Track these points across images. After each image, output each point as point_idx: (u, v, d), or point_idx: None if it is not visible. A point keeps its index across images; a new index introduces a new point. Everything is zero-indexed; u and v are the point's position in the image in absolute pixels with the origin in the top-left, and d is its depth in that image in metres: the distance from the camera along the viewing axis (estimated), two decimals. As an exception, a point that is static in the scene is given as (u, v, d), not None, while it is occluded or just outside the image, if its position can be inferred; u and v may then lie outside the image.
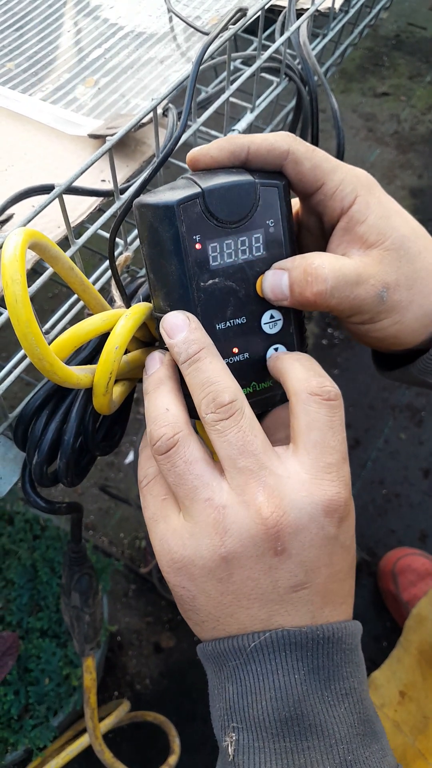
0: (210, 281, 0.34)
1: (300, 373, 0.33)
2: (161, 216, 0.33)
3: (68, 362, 0.37)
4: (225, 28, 0.42)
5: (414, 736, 0.60)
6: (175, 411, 0.32)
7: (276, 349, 0.37)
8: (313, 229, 0.39)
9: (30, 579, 0.89)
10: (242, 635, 0.31)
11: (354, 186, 0.36)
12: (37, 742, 0.79)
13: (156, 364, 0.34)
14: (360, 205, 0.36)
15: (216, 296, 0.34)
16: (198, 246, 0.33)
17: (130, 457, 1.24)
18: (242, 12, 0.43)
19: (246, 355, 0.36)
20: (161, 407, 0.33)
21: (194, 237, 0.33)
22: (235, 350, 0.36)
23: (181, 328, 0.33)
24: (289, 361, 0.34)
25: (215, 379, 0.31)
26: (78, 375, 0.31)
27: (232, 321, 0.35)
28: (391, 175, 1.65)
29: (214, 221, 0.33)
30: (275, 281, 0.35)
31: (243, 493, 0.30)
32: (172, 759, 0.74)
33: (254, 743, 0.30)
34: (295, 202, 0.40)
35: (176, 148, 0.44)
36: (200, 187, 0.33)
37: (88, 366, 0.33)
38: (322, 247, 0.38)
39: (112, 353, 0.31)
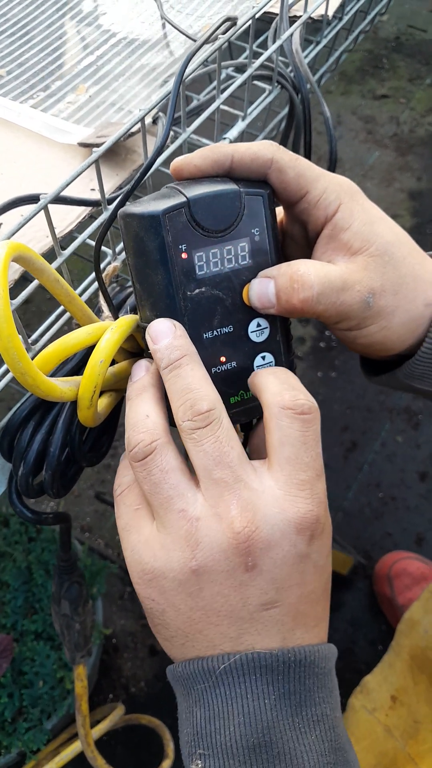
0: (197, 290, 0.34)
1: (273, 386, 0.32)
2: (147, 226, 0.33)
3: (55, 372, 0.37)
4: (213, 37, 0.42)
5: (405, 740, 0.60)
6: (155, 418, 0.32)
7: (263, 357, 0.37)
8: (297, 237, 0.39)
9: (25, 581, 0.89)
10: (211, 657, 0.30)
11: (337, 194, 0.37)
12: (31, 745, 0.79)
13: (141, 372, 0.34)
14: (344, 212, 0.36)
15: (203, 305, 0.34)
16: (184, 255, 0.33)
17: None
18: (231, 21, 0.43)
19: (234, 363, 0.36)
20: (141, 413, 0.32)
21: (180, 246, 0.33)
22: (223, 359, 0.36)
23: (166, 334, 0.33)
24: (264, 375, 0.34)
25: (195, 386, 0.31)
26: (62, 389, 0.31)
27: (219, 330, 0.35)
28: (390, 177, 1.64)
29: (199, 230, 0.33)
30: (261, 289, 0.35)
31: (216, 506, 0.30)
32: (166, 763, 0.74)
33: None
34: (280, 211, 0.40)
35: (163, 158, 0.44)
36: (185, 196, 0.33)
37: (73, 378, 0.33)
38: (307, 255, 0.39)
39: (96, 367, 0.31)
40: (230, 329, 0.35)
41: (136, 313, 0.41)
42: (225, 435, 0.31)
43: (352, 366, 1.31)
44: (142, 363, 0.35)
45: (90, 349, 0.35)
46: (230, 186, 0.34)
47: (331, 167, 0.55)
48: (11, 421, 0.37)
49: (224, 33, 0.45)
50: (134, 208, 0.33)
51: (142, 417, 0.32)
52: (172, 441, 0.32)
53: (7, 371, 0.39)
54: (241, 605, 0.30)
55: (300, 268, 0.34)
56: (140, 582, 0.32)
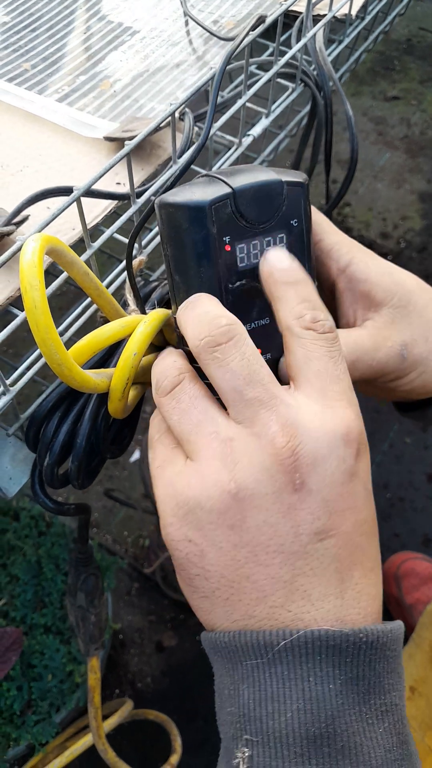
0: (237, 283, 0.33)
1: (294, 304, 0.30)
2: (191, 217, 0.32)
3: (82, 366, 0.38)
4: (247, 35, 0.42)
5: (423, 731, 0.60)
6: (182, 362, 0.31)
7: None
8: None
9: (35, 575, 0.90)
10: (269, 631, 0.26)
11: (350, 248, 0.37)
12: (40, 738, 0.80)
13: (166, 351, 0.34)
14: (358, 264, 0.37)
15: (243, 298, 0.34)
16: (228, 248, 0.32)
17: (136, 455, 1.25)
18: (261, 19, 0.43)
19: (269, 355, 0.35)
20: (169, 361, 0.32)
21: (225, 239, 0.32)
22: (259, 351, 0.36)
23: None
24: (282, 287, 0.31)
25: (211, 309, 0.30)
26: (95, 380, 0.31)
27: (256, 322, 0.35)
28: (400, 179, 1.64)
29: (243, 222, 0.32)
30: None
31: (253, 425, 0.27)
32: (174, 758, 0.75)
33: (272, 762, 0.25)
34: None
35: (189, 154, 0.44)
36: (231, 187, 0.32)
37: (104, 370, 0.33)
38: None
39: (130, 359, 0.32)
40: (267, 321, 0.35)
41: (162, 307, 0.41)
42: (251, 352, 0.29)
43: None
44: (168, 347, 0.35)
45: (116, 343, 0.35)
46: (273, 176, 0.33)
47: (352, 166, 0.55)
48: (37, 413, 0.37)
49: (252, 31, 0.45)
50: (174, 197, 0.33)
51: (169, 362, 0.32)
52: (200, 379, 0.31)
53: (31, 364, 0.39)
54: (292, 536, 0.27)
55: None
56: (174, 520, 0.28)
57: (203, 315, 0.29)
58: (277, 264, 0.31)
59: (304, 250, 0.35)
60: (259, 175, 0.33)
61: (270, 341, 0.35)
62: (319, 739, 0.25)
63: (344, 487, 0.27)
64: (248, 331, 0.34)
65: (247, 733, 0.26)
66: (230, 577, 0.27)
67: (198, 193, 0.32)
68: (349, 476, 0.28)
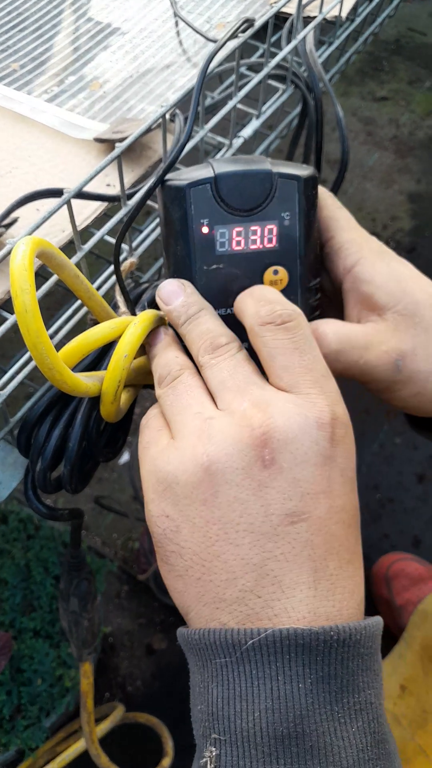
0: (214, 266, 0.34)
1: (250, 307, 0.32)
2: (173, 197, 0.33)
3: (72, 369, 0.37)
4: (231, 37, 0.42)
5: (413, 730, 0.60)
6: (183, 358, 0.32)
7: None
8: (326, 289, 0.39)
9: (23, 579, 0.89)
10: (236, 630, 0.26)
11: (360, 247, 0.37)
12: (29, 743, 0.79)
13: (160, 335, 0.35)
14: (364, 266, 0.36)
15: (219, 281, 0.34)
16: (205, 230, 0.33)
17: (125, 458, 1.24)
18: (249, 22, 0.43)
19: (246, 344, 0.35)
20: (171, 355, 0.33)
21: (202, 220, 0.33)
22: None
23: (177, 293, 0.33)
24: (241, 298, 0.33)
25: (214, 328, 0.32)
26: (87, 384, 0.31)
27: (233, 308, 0.35)
28: (389, 179, 1.65)
29: (224, 207, 0.33)
30: None
31: (230, 406, 0.29)
32: (166, 761, 0.74)
33: (240, 762, 0.25)
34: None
35: (182, 155, 0.44)
36: (214, 171, 0.33)
37: (96, 373, 0.33)
38: (336, 310, 0.39)
39: (121, 361, 0.31)
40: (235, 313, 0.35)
41: (152, 308, 0.41)
42: (243, 357, 0.31)
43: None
44: (160, 329, 0.35)
45: (106, 345, 0.35)
46: (263, 166, 0.34)
47: (343, 168, 0.55)
48: (29, 418, 0.37)
49: (242, 33, 0.45)
50: (173, 179, 0.34)
51: (171, 357, 0.33)
52: (200, 375, 0.32)
53: (21, 368, 0.39)
54: (262, 515, 0.27)
55: (319, 327, 0.35)
56: (154, 497, 0.29)
57: (206, 333, 0.31)
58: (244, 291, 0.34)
59: (297, 245, 0.35)
60: (249, 164, 0.34)
61: (245, 329, 0.35)
62: (287, 738, 0.24)
63: (317, 469, 0.27)
64: (222, 315, 0.34)
65: (215, 732, 0.26)
66: (202, 555, 0.27)
67: (185, 175, 0.33)
68: (323, 459, 0.27)
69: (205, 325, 0.32)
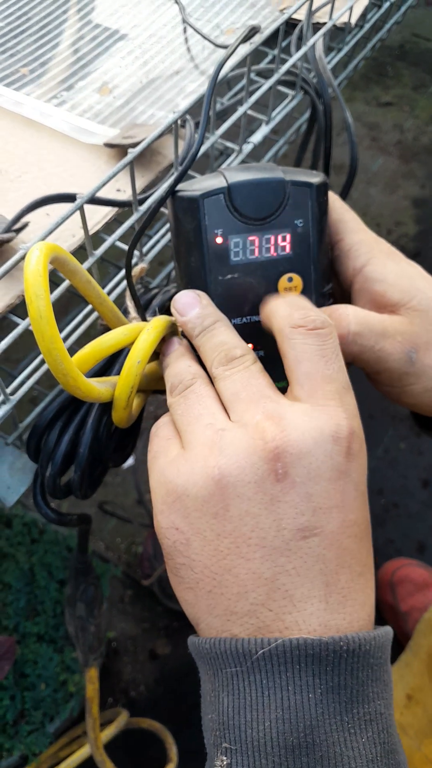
0: (229, 275, 0.34)
1: (282, 310, 0.31)
2: (186, 208, 0.33)
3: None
4: (238, 45, 0.42)
5: (420, 740, 0.60)
6: (196, 368, 0.32)
7: None
8: (334, 293, 0.39)
9: (27, 583, 0.89)
10: (248, 639, 0.26)
11: (370, 248, 0.37)
12: (33, 748, 0.79)
13: (175, 345, 0.35)
14: (375, 265, 0.36)
15: (234, 291, 0.34)
16: (219, 240, 0.33)
17: (130, 462, 1.24)
18: (255, 30, 0.43)
19: (262, 352, 0.36)
20: (184, 365, 0.33)
21: (216, 231, 0.33)
22: (251, 346, 0.36)
23: (192, 305, 0.33)
24: (272, 301, 0.33)
25: (229, 340, 0.31)
26: (100, 389, 0.31)
27: (249, 317, 0.35)
28: (393, 184, 1.65)
29: (238, 217, 0.33)
30: None
31: (242, 418, 0.28)
32: (170, 767, 0.74)
33: None
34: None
35: (194, 161, 0.44)
36: (227, 181, 0.33)
37: (108, 379, 0.33)
38: None
39: (134, 367, 0.31)
40: (259, 318, 0.35)
41: (163, 314, 0.41)
42: (257, 369, 0.30)
43: (354, 372, 1.31)
44: (174, 339, 0.35)
45: (117, 351, 0.35)
46: (275, 174, 0.34)
47: (352, 173, 0.55)
48: (39, 423, 0.37)
49: (252, 40, 0.45)
50: (184, 189, 0.34)
51: (184, 367, 0.32)
52: (212, 385, 0.32)
53: (31, 373, 0.39)
54: (274, 530, 0.26)
55: (339, 308, 0.34)
56: (163, 508, 0.29)
57: (221, 346, 0.31)
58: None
59: (310, 251, 0.35)
60: (262, 172, 0.34)
61: (262, 338, 0.35)
62: (297, 748, 0.24)
63: (331, 484, 0.27)
64: (238, 325, 0.35)
65: (226, 741, 0.26)
66: (213, 569, 0.27)
67: (197, 185, 0.33)
68: (337, 473, 0.27)
69: (219, 337, 0.32)
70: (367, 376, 0.37)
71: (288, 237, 0.34)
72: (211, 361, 0.31)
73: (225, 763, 0.25)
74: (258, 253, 0.34)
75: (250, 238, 0.34)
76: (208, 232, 0.33)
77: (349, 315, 0.34)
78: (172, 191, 0.33)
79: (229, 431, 0.28)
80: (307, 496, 0.27)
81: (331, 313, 0.34)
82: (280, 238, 0.34)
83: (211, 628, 0.28)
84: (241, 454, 0.27)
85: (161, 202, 0.33)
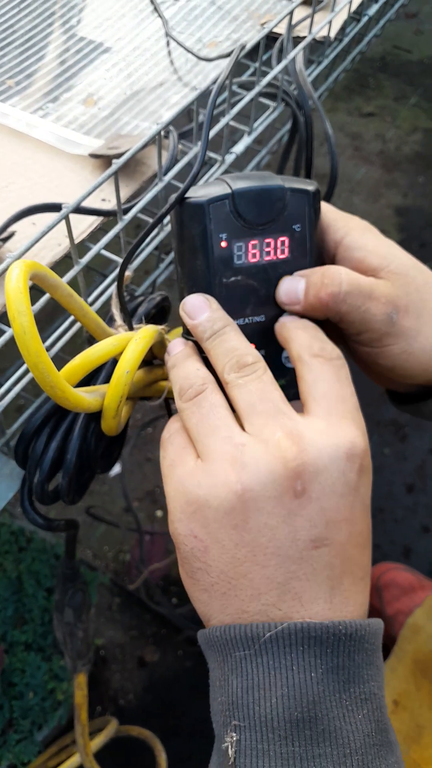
0: (232, 278, 0.35)
1: (302, 339, 0.34)
2: (192, 213, 0.34)
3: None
4: (229, 75, 0.43)
5: (408, 745, 0.60)
6: (205, 371, 0.33)
7: None
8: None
9: (15, 591, 0.89)
10: (255, 624, 0.28)
11: (346, 222, 0.38)
12: (21, 757, 0.78)
13: (179, 346, 0.36)
14: (353, 236, 0.38)
15: (237, 293, 0.36)
16: (224, 244, 0.35)
17: (117, 469, 1.24)
18: (242, 47, 0.44)
19: (263, 352, 0.37)
20: (192, 368, 0.34)
21: (221, 235, 0.34)
22: (252, 346, 0.37)
23: (202, 308, 0.34)
24: (293, 329, 0.35)
25: (239, 346, 0.33)
26: (89, 400, 0.31)
27: (251, 318, 0.37)
28: (376, 193, 1.67)
29: (241, 222, 0.35)
30: (291, 285, 0.36)
31: (261, 433, 0.30)
32: (158, 774, 0.74)
33: (258, 745, 0.27)
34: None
35: (175, 171, 0.45)
36: (231, 188, 0.34)
37: (96, 388, 0.33)
38: None
39: (123, 377, 0.32)
40: (262, 318, 0.37)
41: (149, 322, 0.41)
42: (269, 379, 0.32)
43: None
44: (179, 340, 0.36)
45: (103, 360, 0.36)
46: (276, 182, 0.35)
47: (332, 182, 0.57)
48: (26, 430, 0.37)
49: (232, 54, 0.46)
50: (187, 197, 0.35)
51: (193, 369, 0.33)
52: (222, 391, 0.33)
53: (18, 380, 0.40)
54: (289, 541, 0.28)
55: (332, 268, 0.36)
56: (182, 516, 0.30)
57: (232, 351, 0.32)
58: (289, 317, 0.36)
59: (307, 253, 0.37)
60: (262, 180, 0.35)
61: (264, 338, 0.37)
62: (301, 722, 0.26)
63: (343, 499, 0.29)
64: (242, 325, 0.36)
65: (235, 719, 0.28)
66: (229, 574, 0.29)
67: (202, 192, 0.35)
68: (349, 489, 0.29)
69: (230, 342, 0.33)
70: (348, 342, 0.39)
71: (287, 241, 0.36)
72: (222, 366, 0.32)
73: (234, 739, 0.27)
74: (259, 257, 0.36)
75: (252, 242, 0.35)
76: (213, 237, 0.34)
77: (341, 274, 0.35)
78: (180, 200, 0.34)
79: (249, 446, 0.29)
80: (321, 511, 0.29)
81: (325, 272, 0.35)
82: (279, 241, 0.36)
83: (223, 624, 0.30)
84: (262, 470, 0.29)
85: (165, 213, 0.34)
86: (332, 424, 0.30)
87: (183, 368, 0.34)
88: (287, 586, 0.28)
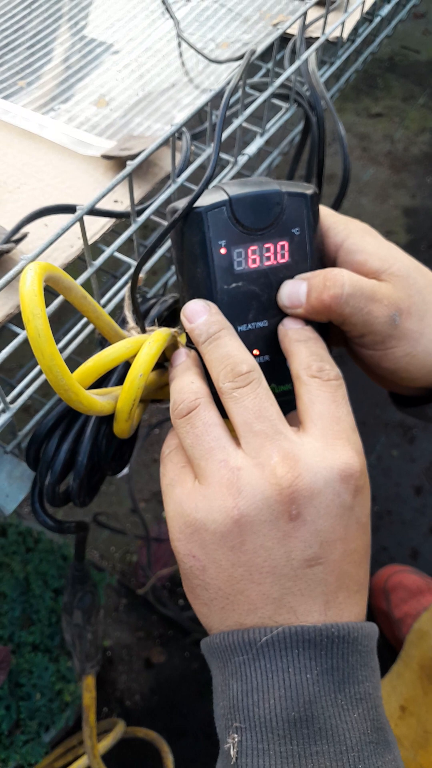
0: (233, 285, 0.35)
1: (303, 357, 0.34)
2: (190, 221, 0.34)
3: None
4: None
5: (415, 750, 0.60)
6: (199, 384, 0.34)
7: None
8: None
9: (22, 592, 0.89)
10: (252, 629, 0.29)
11: (346, 225, 0.38)
12: (29, 759, 0.78)
13: (182, 357, 0.36)
14: (354, 239, 0.38)
15: (239, 299, 0.36)
16: (223, 251, 0.35)
17: (124, 471, 1.24)
18: (252, 52, 0.44)
19: (266, 357, 0.37)
20: (186, 381, 0.34)
21: (220, 242, 0.34)
22: (256, 352, 0.37)
23: (201, 312, 0.34)
24: (295, 344, 0.35)
25: (234, 353, 0.33)
26: (101, 403, 0.31)
27: (254, 324, 0.36)
28: (384, 194, 1.67)
29: (240, 228, 0.35)
30: (293, 289, 0.36)
31: (258, 456, 0.30)
32: (166, 777, 0.74)
33: (259, 745, 0.28)
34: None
35: (188, 173, 0.45)
36: (228, 194, 0.34)
37: (108, 390, 0.33)
38: None
39: (136, 380, 0.32)
40: (265, 324, 0.36)
41: (161, 324, 0.41)
42: (264, 393, 0.32)
43: (346, 380, 1.32)
44: (182, 350, 0.36)
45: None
46: (272, 187, 0.35)
47: (344, 184, 0.56)
48: (38, 432, 0.37)
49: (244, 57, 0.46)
50: (180, 204, 0.35)
51: (187, 383, 0.33)
52: (215, 404, 0.33)
53: (30, 382, 0.39)
54: (284, 561, 0.29)
55: (334, 270, 0.36)
56: (181, 537, 0.31)
57: (227, 358, 0.32)
58: (292, 325, 0.36)
59: (307, 257, 0.36)
60: (259, 186, 0.35)
61: (266, 343, 0.37)
62: (298, 722, 0.28)
63: (336, 520, 0.30)
64: (244, 331, 0.36)
65: (236, 721, 0.29)
66: (227, 591, 0.30)
67: (200, 201, 0.34)
68: (343, 510, 0.30)
69: (225, 348, 0.33)
70: (351, 344, 0.38)
71: (286, 245, 0.36)
72: (217, 373, 0.32)
73: (236, 740, 0.28)
74: (259, 262, 0.35)
75: (252, 247, 0.35)
76: (213, 244, 0.34)
77: (344, 276, 0.35)
78: (190, 208, 0.34)
79: (245, 471, 0.30)
80: (316, 532, 0.30)
81: (326, 274, 0.35)
82: (279, 246, 0.36)
83: (220, 632, 0.31)
84: (258, 496, 0.29)
85: (179, 218, 0.34)
86: (328, 445, 0.31)
87: (179, 383, 0.34)
88: (282, 601, 0.29)
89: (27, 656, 0.84)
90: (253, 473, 0.30)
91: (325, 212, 0.39)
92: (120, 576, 1.13)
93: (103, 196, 0.36)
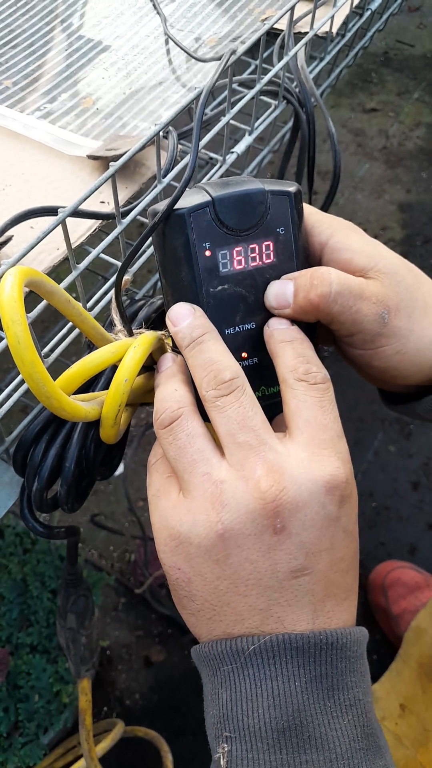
0: (219, 287, 0.34)
1: (289, 359, 0.33)
2: (172, 224, 0.33)
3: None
4: (223, 74, 0.42)
5: (415, 749, 0.60)
6: (182, 392, 0.33)
7: None
8: None
9: (20, 593, 0.89)
10: (240, 637, 0.29)
11: (330, 224, 0.38)
12: (27, 760, 0.78)
13: (168, 362, 0.35)
14: (338, 237, 0.37)
15: (225, 302, 0.35)
16: (208, 253, 0.34)
17: (120, 470, 1.24)
18: (232, 52, 0.44)
19: (255, 360, 0.36)
20: (170, 389, 0.33)
21: (204, 244, 0.34)
22: (244, 355, 0.36)
23: (185, 316, 0.34)
24: (280, 345, 0.34)
25: (217, 358, 0.32)
26: (86, 409, 0.31)
27: (241, 326, 0.36)
28: (380, 189, 1.66)
29: (224, 229, 0.34)
30: (280, 289, 0.35)
31: (242, 468, 0.30)
32: (165, 777, 0.74)
33: (248, 754, 0.28)
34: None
35: (174, 173, 0.44)
36: (210, 195, 0.34)
37: (94, 395, 0.33)
38: None
39: (121, 385, 0.31)
40: (252, 326, 0.36)
41: (148, 327, 0.41)
42: (248, 401, 0.31)
43: (343, 377, 1.32)
44: (168, 355, 0.36)
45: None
46: (256, 186, 0.34)
47: (335, 180, 0.56)
48: (25, 437, 0.37)
49: (232, 54, 0.45)
50: (161, 206, 0.34)
51: (170, 391, 0.33)
52: (198, 413, 0.32)
53: (17, 386, 0.39)
54: (270, 573, 0.29)
55: (322, 269, 0.35)
56: (166, 549, 0.31)
57: (210, 365, 0.32)
58: (278, 326, 0.35)
59: (293, 256, 0.36)
60: (241, 185, 0.34)
61: (255, 346, 0.36)
62: (287, 730, 0.27)
63: (322, 531, 0.30)
64: (231, 334, 0.35)
65: (226, 731, 0.29)
66: (213, 602, 0.30)
67: (182, 202, 0.34)
68: (329, 521, 0.30)
69: (208, 354, 0.32)
70: (340, 343, 0.38)
71: (272, 245, 0.35)
72: (200, 380, 0.32)
73: (226, 749, 0.28)
74: (245, 263, 0.35)
75: (237, 248, 0.34)
76: (197, 246, 0.33)
77: (331, 275, 0.34)
78: (170, 211, 0.33)
79: (228, 484, 0.29)
80: (301, 544, 0.29)
81: (313, 273, 0.34)
82: (264, 246, 0.35)
83: (209, 642, 0.31)
84: (242, 510, 0.29)
85: (159, 221, 0.33)
86: (313, 454, 0.30)
87: (162, 390, 0.33)
88: (269, 611, 0.29)
89: (25, 658, 0.84)
90: (237, 487, 0.29)
91: (309, 210, 0.38)
92: (119, 575, 1.13)
93: (85, 198, 0.35)
